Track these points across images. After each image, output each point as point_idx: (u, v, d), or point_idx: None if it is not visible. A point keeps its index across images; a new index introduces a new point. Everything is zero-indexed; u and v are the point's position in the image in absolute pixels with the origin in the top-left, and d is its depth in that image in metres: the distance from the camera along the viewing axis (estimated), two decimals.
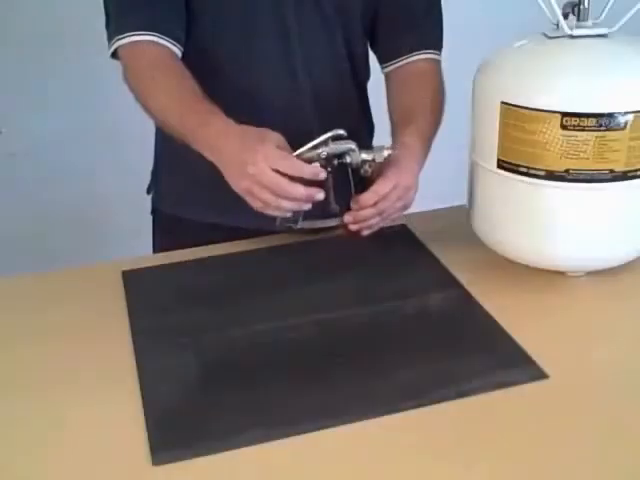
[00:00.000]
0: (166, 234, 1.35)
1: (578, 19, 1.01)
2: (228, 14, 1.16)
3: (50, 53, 2.13)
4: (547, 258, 1.04)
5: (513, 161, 0.99)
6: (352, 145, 1.02)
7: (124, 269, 1.13)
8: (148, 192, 1.36)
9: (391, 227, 1.22)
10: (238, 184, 0.99)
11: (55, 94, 2.19)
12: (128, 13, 1.13)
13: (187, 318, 1.01)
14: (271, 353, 0.92)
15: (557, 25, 1.00)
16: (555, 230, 1.00)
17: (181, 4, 1.15)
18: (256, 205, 1.00)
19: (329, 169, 1.01)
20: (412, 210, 1.27)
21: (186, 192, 1.30)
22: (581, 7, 1.00)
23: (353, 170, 1.04)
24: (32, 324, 1.02)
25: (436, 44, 1.25)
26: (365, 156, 1.02)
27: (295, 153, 0.99)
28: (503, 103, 0.98)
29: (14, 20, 2.10)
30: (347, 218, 1.07)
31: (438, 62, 1.26)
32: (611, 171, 0.95)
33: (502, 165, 1.00)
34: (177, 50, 1.14)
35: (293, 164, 0.97)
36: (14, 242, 2.23)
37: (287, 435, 0.80)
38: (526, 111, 0.95)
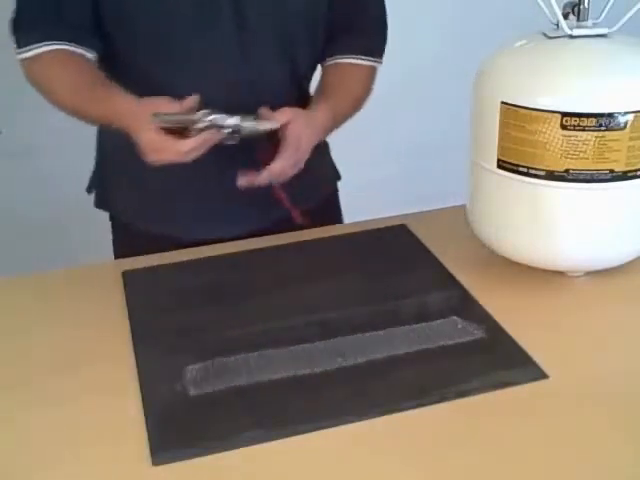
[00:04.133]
0: (122, 243, 1.35)
1: (578, 19, 1.01)
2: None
3: None
4: (547, 258, 1.04)
5: (513, 161, 0.99)
6: (233, 121, 1.04)
7: (124, 269, 1.13)
8: (89, 191, 1.36)
9: (391, 227, 1.23)
10: (144, 158, 1.06)
11: None
12: (35, 24, 1.14)
13: (187, 318, 1.01)
14: (271, 353, 0.92)
15: (557, 25, 1.00)
16: (555, 230, 1.00)
17: (88, 14, 1.13)
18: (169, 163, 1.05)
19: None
20: (412, 210, 1.27)
21: (136, 203, 1.30)
22: (581, 7, 1.00)
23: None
24: (32, 324, 1.03)
25: (379, 52, 1.30)
26: (247, 130, 1.06)
27: (163, 118, 1.02)
28: (503, 103, 0.98)
29: None
30: (241, 182, 1.12)
31: (375, 69, 1.30)
32: (611, 171, 0.95)
33: (502, 165, 1.00)
34: (87, 54, 1.15)
35: (172, 148, 1.03)
36: (14, 242, 2.23)
37: (287, 435, 0.80)
38: (526, 111, 0.95)
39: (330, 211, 1.42)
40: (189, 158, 1.04)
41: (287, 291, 1.06)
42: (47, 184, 2.25)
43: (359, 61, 1.27)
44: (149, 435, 0.80)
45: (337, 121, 1.22)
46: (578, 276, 1.07)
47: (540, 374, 0.87)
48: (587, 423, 0.81)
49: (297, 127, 1.10)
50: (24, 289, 1.13)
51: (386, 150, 2.46)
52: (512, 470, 0.75)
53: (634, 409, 0.83)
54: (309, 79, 1.31)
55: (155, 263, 1.16)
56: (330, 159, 1.41)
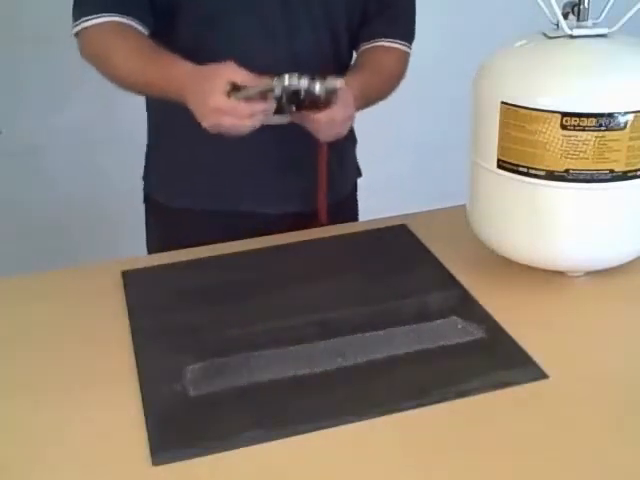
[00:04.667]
0: (158, 222, 1.38)
1: (578, 19, 1.01)
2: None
3: (50, 53, 2.12)
4: (547, 258, 1.04)
5: (513, 161, 0.99)
6: (305, 83, 1.06)
7: (124, 269, 1.13)
8: (144, 179, 1.39)
9: (391, 227, 1.22)
10: (203, 123, 1.06)
11: (55, 94, 2.19)
12: None
13: (187, 318, 1.01)
14: (271, 353, 0.92)
15: (557, 25, 1.00)
16: (555, 230, 1.00)
17: None
18: (225, 131, 1.06)
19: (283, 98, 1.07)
20: (412, 210, 1.27)
21: (174, 180, 1.33)
22: (581, 7, 1.00)
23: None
24: (32, 324, 1.02)
25: (410, 38, 1.33)
26: (318, 89, 1.07)
27: (246, 93, 1.04)
28: (503, 103, 0.98)
29: (15, 20, 2.10)
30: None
31: (408, 54, 1.33)
32: (611, 171, 0.95)
33: (502, 165, 1.00)
34: (142, 29, 1.18)
35: (239, 110, 1.03)
36: (14, 242, 2.23)
37: (287, 435, 0.79)
38: (526, 111, 0.95)
39: (349, 207, 1.45)
40: (251, 124, 1.05)
41: (287, 291, 1.06)
42: (47, 184, 2.25)
43: (394, 44, 1.30)
44: (149, 435, 0.80)
45: (368, 97, 1.23)
46: (578, 276, 1.06)
47: (540, 374, 0.87)
48: (587, 423, 0.81)
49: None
50: (23, 289, 1.12)
51: (386, 150, 2.46)
52: (512, 470, 0.75)
53: (634, 409, 0.83)
54: (349, 59, 1.33)
55: (155, 263, 1.16)
56: (355, 154, 1.43)
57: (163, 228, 1.36)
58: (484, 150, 1.03)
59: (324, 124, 1.12)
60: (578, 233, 1.00)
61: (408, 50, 1.32)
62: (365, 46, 1.31)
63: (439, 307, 1.00)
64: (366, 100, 1.23)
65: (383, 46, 1.30)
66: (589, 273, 1.06)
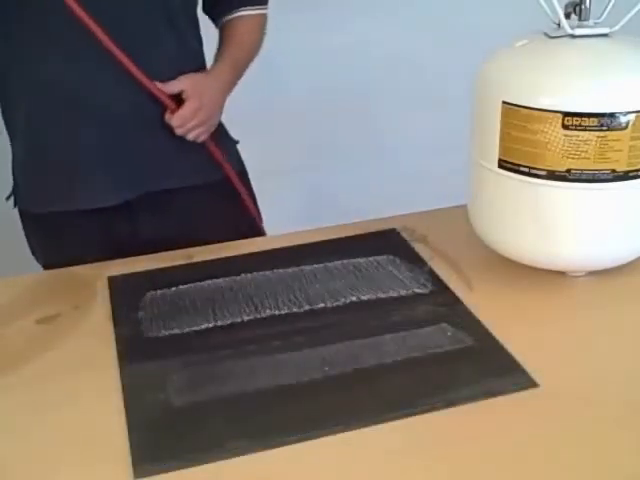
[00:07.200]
0: (32, 232, 1.40)
1: (579, 19, 1.01)
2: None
3: None
4: (547, 258, 1.03)
5: (514, 161, 0.98)
6: None
7: (110, 274, 1.11)
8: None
9: (389, 228, 1.22)
10: None
11: None
12: None
13: (172, 326, 0.98)
14: (257, 362, 0.90)
15: (558, 25, 1.00)
16: (556, 230, 1.00)
17: None
18: None
19: None
20: (412, 210, 1.27)
21: (26, 186, 1.33)
22: (582, 7, 1.00)
23: None
24: (24, 327, 1.01)
25: (263, 1, 1.37)
26: None
27: None
28: (504, 103, 0.97)
29: None
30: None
31: (265, 16, 1.38)
32: (612, 171, 0.94)
33: (503, 165, 1.00)
34: None
35: None
36: (14, 242, 2.23)
37: (272, 446, 0.78)
38: (527, 111, 0.95)
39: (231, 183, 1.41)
40: None
41: (276, 297, 1.04)
42: None
43: (252, 12, 1.35)
44: (131, 446, 0.78)
45: (238, 70, 1.32)
46: (579, 276, 1.06)
47: (530, 381, 0.85)
48: (587, 426, 0.80)
49: (196, 85, 1.22)
50: (18, 291, 1.11)
51: (386, 150, 2.46)
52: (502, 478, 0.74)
53: (635, 411, 0.82)
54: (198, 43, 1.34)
55: (143, 268, 1.13)
56: (221, 132, 1.39)
57: (37, 237, 1.37)
58: (485, 150, 1.03)
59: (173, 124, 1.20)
60: (579, 233, 1.00)
61: (266, 11, 1.36)
62: (226, 18, 1.34)
63: (430, 314, 0.98)
64: (238, 73, 1.31)
65: (242, 16, 1.33)
66: (589, 273, 1.06)
